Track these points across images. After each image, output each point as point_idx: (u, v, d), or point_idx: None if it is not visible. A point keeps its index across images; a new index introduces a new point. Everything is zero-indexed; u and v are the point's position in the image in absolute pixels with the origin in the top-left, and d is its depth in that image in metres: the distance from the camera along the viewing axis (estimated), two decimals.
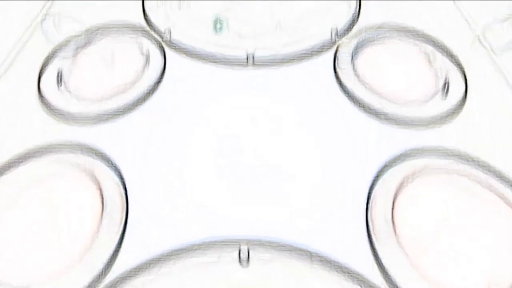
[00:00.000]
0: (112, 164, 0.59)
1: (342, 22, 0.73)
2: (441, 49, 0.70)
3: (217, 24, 0.76)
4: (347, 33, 0.72)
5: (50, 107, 0.63)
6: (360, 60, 0.69)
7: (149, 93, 0.66)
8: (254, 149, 0.62)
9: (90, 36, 0.70)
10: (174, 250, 0.52)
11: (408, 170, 0.58)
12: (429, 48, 0.70)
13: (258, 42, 0.71)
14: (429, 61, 0.69)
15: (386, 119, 0.63)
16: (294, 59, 0.70)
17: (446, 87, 0.65)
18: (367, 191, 0.56)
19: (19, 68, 0.68)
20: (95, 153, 0.59)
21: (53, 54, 0.68)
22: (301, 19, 0.74)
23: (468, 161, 0.59)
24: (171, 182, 0.59)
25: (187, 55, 0.70)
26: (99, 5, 0.76)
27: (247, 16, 0.75)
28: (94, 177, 0.57)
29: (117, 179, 0.57)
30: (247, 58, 0.69)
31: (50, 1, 0.76)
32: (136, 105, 0.65)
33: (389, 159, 0.58)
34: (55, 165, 0.58)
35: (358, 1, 0.76)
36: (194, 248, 0.52)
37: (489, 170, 0.58)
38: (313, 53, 0.70)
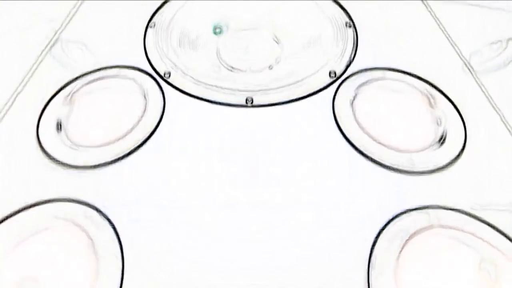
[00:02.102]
0: (104, 215, 0.58)
1: (339, 64, 0.73)
2: (438, 89, 0.69)
3: (217, 29, 0.78)
4: (345, 75, 0.72)
5: (48, 154, 0.63)
6: (359, 102, 0.69)
7: (150, 135, 0.66)
8: (254, 199, 0.61)
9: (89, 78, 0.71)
10: None
11: (409, 228, 0.57)
12: (425, 87, 0.70)
13: (257, 84, 0.71)
14: (430, 105, 0.68)
15: (382, 164, 0.63)
16: (292, 101, 0.70)
17: (443, 138, 0.65)
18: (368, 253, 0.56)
19: (20, 110, 0.68)
20: (90, 205, 0.59)
21: (53, 99, 0.68)
22: (300, 60, 0.74)
23: (466, 214, 0.58)
24: (171, 230, 0.58)
25: (186, 96, 0.70)
26: (106, 32, 0.77)
27: (248, 55, 0.75)
28: (87, 229, 0.57)
29: (112, 230, 0.57)
30: (246, 101, 0.69)
31: (60, 30, 0.77)
32: (135, 149, 0.64)
33: (391, 216, 0.58)
34: (49, 216, 0.58)
35: (355, 44, 0.76)
36: None
37: (485, 223, 0.58)
38: (311, 94, 0.70)
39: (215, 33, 0.77)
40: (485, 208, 0.58)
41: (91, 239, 0.56)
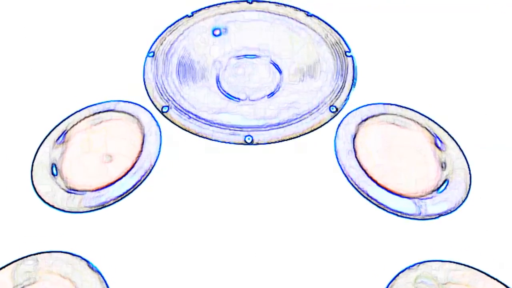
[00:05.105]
0: (94, 266, 0.57)
1: (340, 97, 0.71)
2: (442, 128, 0.68)
3: (215, 31, 0.77)
4: (347, 110, 0.70)
5: (41, 196, 0.62)
6: (360, 139, 0.67)
7: (147, 175, 0.65)
8: (253, 241, 0.60)
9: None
10: None
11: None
12: (428, 123, 0.68)
13: (257, 118, 0.70)
14: (435, 145, 0.66)
15: (385, 209, 0.61)
16: (292, 137, 0.68)
17: (447, 183, 0.63)
18: None
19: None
20: (80, 257, 0.58)
21: (46, 139, 0.67)
22: (300, 91, 0.73)
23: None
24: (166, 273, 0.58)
25: (184, 132, 0.69)
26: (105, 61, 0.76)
27: (247, 84, 0.74)
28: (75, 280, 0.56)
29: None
30: (246, 139, 0.68)
31: None
32: (131, 191, 0.63)
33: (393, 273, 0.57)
34: (39, 269, 0.57)
35: (355, 75, 0.74)
36: None
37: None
38: (312, 131, 0.69)
39: (213, 35, 0.77)
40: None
41: None
